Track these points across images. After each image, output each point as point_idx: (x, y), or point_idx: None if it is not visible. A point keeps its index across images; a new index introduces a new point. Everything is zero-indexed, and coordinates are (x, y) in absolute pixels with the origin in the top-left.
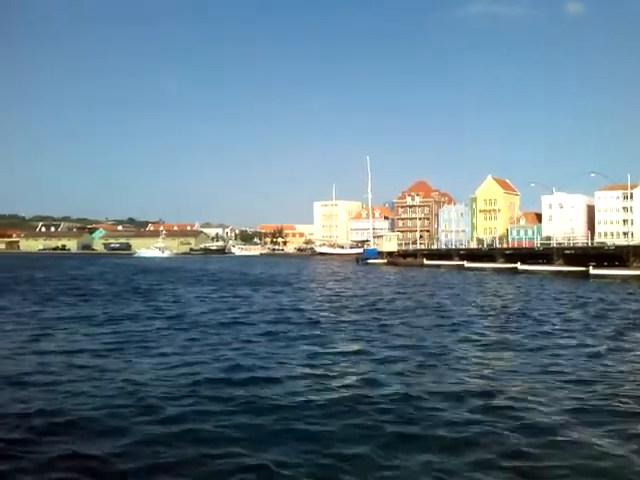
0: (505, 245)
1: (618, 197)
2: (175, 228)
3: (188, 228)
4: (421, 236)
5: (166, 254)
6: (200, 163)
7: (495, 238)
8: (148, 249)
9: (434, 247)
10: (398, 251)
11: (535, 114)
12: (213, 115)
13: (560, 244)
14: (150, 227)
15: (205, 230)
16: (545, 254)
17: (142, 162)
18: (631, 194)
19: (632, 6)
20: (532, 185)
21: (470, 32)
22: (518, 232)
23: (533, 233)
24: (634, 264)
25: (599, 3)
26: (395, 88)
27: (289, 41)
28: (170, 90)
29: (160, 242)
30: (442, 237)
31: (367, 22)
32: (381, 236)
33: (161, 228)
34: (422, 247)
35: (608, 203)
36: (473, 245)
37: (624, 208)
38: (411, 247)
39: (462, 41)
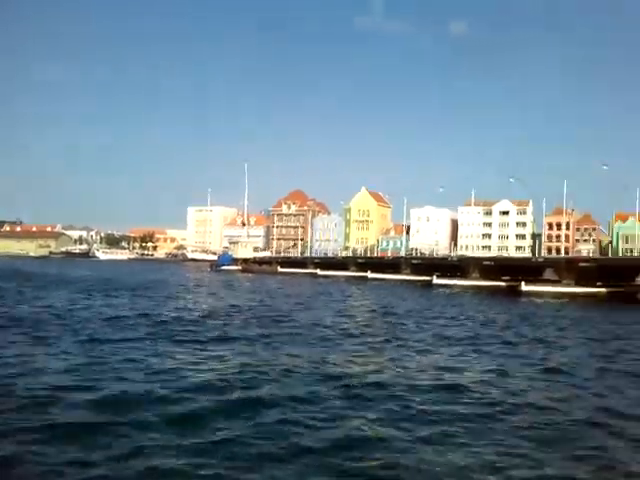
0: (375, 254)
1: (479, 212)
2: (34, 229)
3: (49, 229)
4: (294, 244)
5: None
6: (69, 163)
7: (366, 248)
8: None
9: (307, 255)
10: (254, 258)
11: (408, 129)
12: None
13: (409, 254)
14: (6, 227)
15: (68, 232)
16: (394, 263)
17: None
18: (491, 211)
19: (513, 27)
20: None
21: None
22: (387, 243)
23: (401, 244)
24: (473, 275)
25: (481, 24)
26: (278, 95)
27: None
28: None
29: None
30: (316, 246)
31: (250, 30)
32: (237, 242)
33: (18, 229)
34: (282, 255)
35: (470, 218)
36: (347, 254)
37: (485, 223)
38: (282, 254)
39: (352, 52)
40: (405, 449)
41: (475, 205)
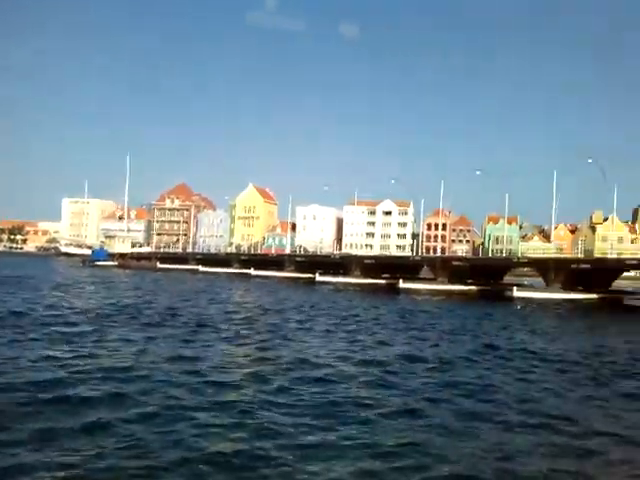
0: (262, 252)
1: (363, 212)
2: None
3: None
4: (177, 240)
5: None
6: None
7: (252, 245)
8: None
9: (189, 251)
10: (131, 253)
11: (297, 126)
12: None
13: (293, 252)
14: None
15: None
16: (278, 261)
17: None
18: (375, 210)
19: (404, 29)
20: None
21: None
22: (274, 240)
23: (287, 241)
24: (355, 272)
25: (372, 27)
26: (170, 86)
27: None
28: None
29: None
30: (200, 242)
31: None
32: (114, 236)
33: None
34: (162, 250)
35: (355, 217)
36: (231, 250)
37: (369, 222)
38: (164, 249)
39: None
40: None
41: (359, 205)
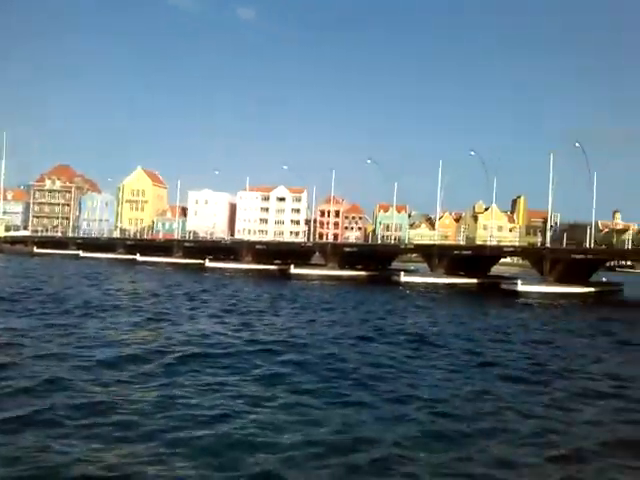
0: (149, 237)
1: (257, 198)
2: None
3: None
4: (57, 224)
5: None
6: None
7: (141, 229)
8: None
9: (70, 235)
10: (5, 237)
11: (190, 109)
12: None
13: (184, 237)
14: None
15: None
16: (167, 246)
17: None
18: (268, 196)
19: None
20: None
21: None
22: (164, 225)
23: (179, 226)
24: (246, 258)
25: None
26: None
27: None
28: None
29: None
30: (84, 225)
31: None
32: None
33: None
34: (39, 234)
35: (248, 203)
36: (117, 235)
37: (262, 208)
38: (43, 233)
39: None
40: None
41: (253, 190)
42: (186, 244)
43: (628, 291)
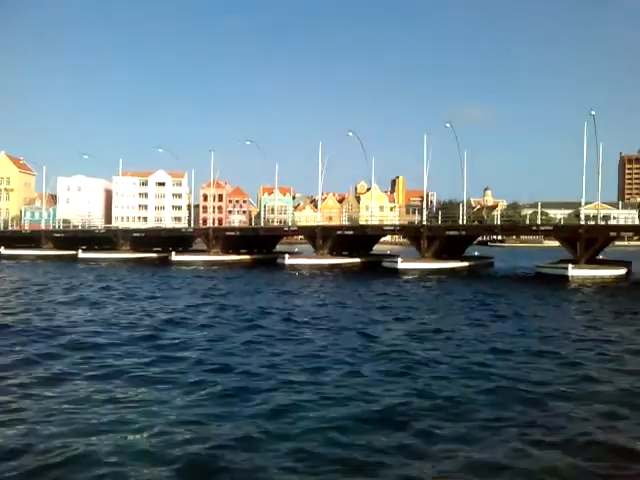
0: (14, 228)
1: (135, 183)
2: None
3: None
4: None
5: None
6: None
7: (7, 220)
8: None
9: None
10: None
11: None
12: None
13: (48, 227)
14: None
15: None
16: (34, 237)
17: None
18: (147, 181)
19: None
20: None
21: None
22: (33, 214)
23: (49, 215)
24: (124, 247)
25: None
26: None
27: None
28: None
29: None
30: None
31: None
32: None
33: None
34: None
35: (125, 189)
36: None
37: (141, 194)
38: None
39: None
40: None
41: (130, 175)
42: (56, 234)
43: (498, 264)
